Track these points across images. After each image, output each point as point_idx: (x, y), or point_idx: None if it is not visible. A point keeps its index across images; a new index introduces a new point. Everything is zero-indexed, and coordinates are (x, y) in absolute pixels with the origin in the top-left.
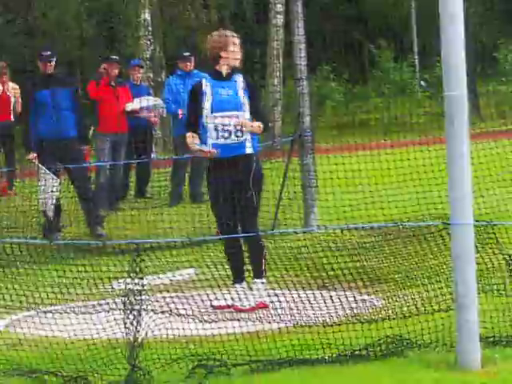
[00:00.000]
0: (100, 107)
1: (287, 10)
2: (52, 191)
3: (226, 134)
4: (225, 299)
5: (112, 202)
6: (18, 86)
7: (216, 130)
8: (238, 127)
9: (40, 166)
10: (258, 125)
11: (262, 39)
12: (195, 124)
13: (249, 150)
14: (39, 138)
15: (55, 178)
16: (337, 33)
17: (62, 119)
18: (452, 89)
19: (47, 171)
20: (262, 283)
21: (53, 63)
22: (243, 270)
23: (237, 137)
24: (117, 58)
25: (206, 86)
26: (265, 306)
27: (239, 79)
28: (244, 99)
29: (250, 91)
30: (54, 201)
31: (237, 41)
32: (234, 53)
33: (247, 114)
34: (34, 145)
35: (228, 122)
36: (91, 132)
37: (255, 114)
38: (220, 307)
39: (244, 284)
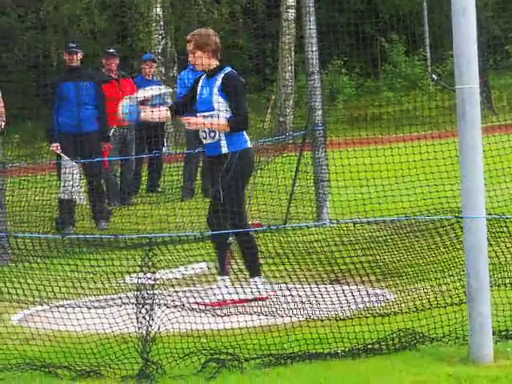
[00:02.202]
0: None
1: (299, 4)
2: (73, 179)
3: (204, 135)
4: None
5: (124, 197)
6: None
7: (200, 130)
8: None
9: (62, 154)
10: (209, 122)
11: (273, 33)
12: (179, 105)
13: (224, 150)
14: (59, 130)
15: (76, 165)
16: (348, 26)
17: (84, 113)
18: (464, 82)
19: (68, 159)
20: (255, 282)
21: (79, 56)
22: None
23: (211, 137)
24: (114, 50)
25: (199, 84)
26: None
27: (220, 78)
28: (218, 99)
29: (226, 91)
30: (77, 188)
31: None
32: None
33: (224, 114)
34: (56, 136)
35: None
36: (112, 130)
37: (231, 113)
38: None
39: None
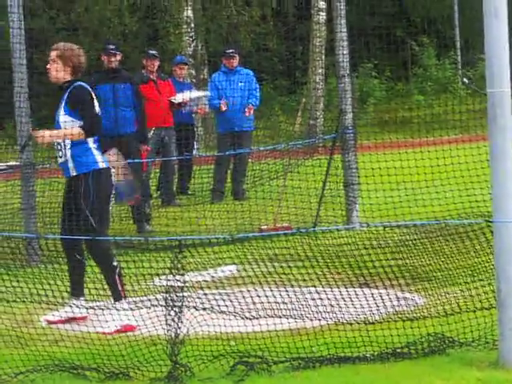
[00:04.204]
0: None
1: (330, 7)
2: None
3: (58, 154)
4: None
5: (169, 198)
6: None
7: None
8: (59, 146)
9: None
10: (49, 134)
11: (304, 36)
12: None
13: (73, 172)
14: None
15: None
16: (379, 29)
17: (121, 115)
18: (495, 86)
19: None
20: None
21: (118, 58)
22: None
23: (60, 157)
24: (155, 52)
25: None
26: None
27: (65, 96)
28: (63, 117)
29: (71, 106)
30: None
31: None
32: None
33: (71, 130)
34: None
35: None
36: (151, 132)
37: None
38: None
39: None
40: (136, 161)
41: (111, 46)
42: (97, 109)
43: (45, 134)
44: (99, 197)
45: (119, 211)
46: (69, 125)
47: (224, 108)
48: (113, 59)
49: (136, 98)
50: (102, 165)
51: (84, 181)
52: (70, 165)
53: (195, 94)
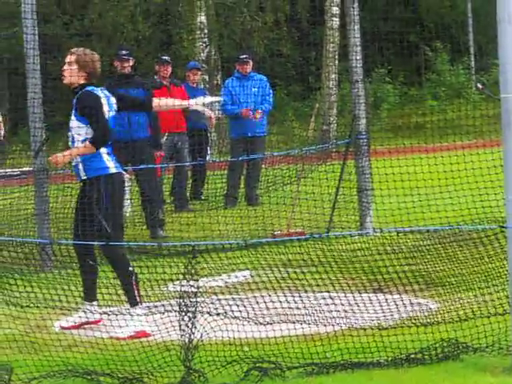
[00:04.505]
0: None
1: (343, 13)
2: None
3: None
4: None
5: (182, 204)
6: None
7: None
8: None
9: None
10: (69, 153)
11: (317, 42)
12: None
13: (83, 176)
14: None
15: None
16: (392, 35)
17: (134, 121)
18: (509, 91)
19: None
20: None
21: (130, 63)
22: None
23: (71, 161)
24: (168, 58)
25: None
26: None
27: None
28: (73, 122)
29: (78, 110)
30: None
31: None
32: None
33: (81, 148)
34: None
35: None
36: (165, 138)
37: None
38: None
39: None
40: (150, 166)
41: (124, 52)
42: (105, 115)
43: (57, 158)
44: (111, 202)
45: (133, 216)
46: (80, 131)
47: (247, 115)
48: (126, 65)
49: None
50: (113, 170)
51: (94, 186)
52: (81, 168)
53: (209, 99)
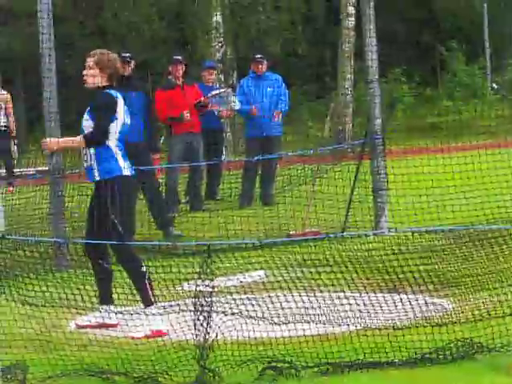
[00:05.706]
0: (171, 110)
1: (359, 13)
2: None
3: (83, 158)
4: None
5: (197, 204)
6: (5, 92)
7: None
8: (84, 151)
9: None
10: (64, 140)
11: (333, 41)
12: None
13: (97, 177)
14: None
15: None
16: (408, 35)
17: (132, 123)
18: None
19: None
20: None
21: (131, 65)
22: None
23: (86, 162)
24: (180, 57)
25: None
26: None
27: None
28: (85, 121)
29: (92, 109)
30: None
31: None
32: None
33: (72, 139)
34: None
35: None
36: (162, 140)
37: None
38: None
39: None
40: (149, 167)
41: (126, 54)
42: (111, 118)
43: (49, 144)
44: (123, 204)
45: (148, 217)
46: (89, 128)
47: (255, 112)
48: (127, 66)
49: (147, 107)
50: (126, 172)
51: (108, 187)
52: (94, 170)
53: (217, 91)
